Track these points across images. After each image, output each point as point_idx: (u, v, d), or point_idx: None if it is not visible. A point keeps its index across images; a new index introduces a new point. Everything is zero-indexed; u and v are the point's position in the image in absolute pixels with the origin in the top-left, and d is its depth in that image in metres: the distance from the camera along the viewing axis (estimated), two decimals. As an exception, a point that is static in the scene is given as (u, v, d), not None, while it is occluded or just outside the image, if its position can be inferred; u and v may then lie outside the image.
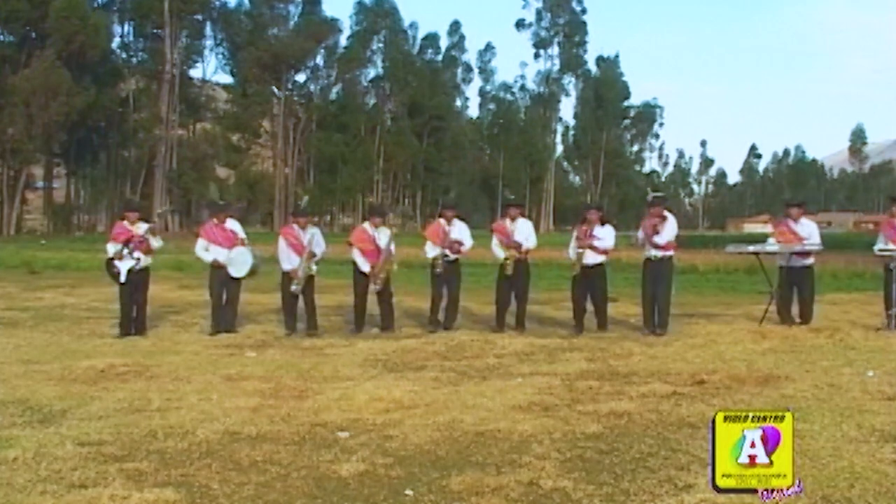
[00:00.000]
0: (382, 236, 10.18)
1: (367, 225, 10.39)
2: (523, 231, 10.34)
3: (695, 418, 5.54)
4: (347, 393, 6.37)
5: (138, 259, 9.68)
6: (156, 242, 9.95)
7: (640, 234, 10.19)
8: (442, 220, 10.50)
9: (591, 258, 10.08)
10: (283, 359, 8.21)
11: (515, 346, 8.74)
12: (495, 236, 10.42)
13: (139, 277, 9.78)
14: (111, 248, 9.77)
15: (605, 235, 10.11)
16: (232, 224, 10.16)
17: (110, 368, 7.42)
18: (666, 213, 10.10)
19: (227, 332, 9.73)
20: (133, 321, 9.83)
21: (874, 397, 6.15)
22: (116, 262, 9.66)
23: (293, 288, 9.84)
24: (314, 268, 10.07)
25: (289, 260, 9.96)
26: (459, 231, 10.39)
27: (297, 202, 56.03)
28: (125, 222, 9.91)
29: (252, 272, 10.10)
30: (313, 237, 10.04)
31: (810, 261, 10.56)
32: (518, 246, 10.19)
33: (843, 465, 4.44)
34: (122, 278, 9.65)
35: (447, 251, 10.18)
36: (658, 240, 9.91)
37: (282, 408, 5.90)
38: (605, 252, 10.13)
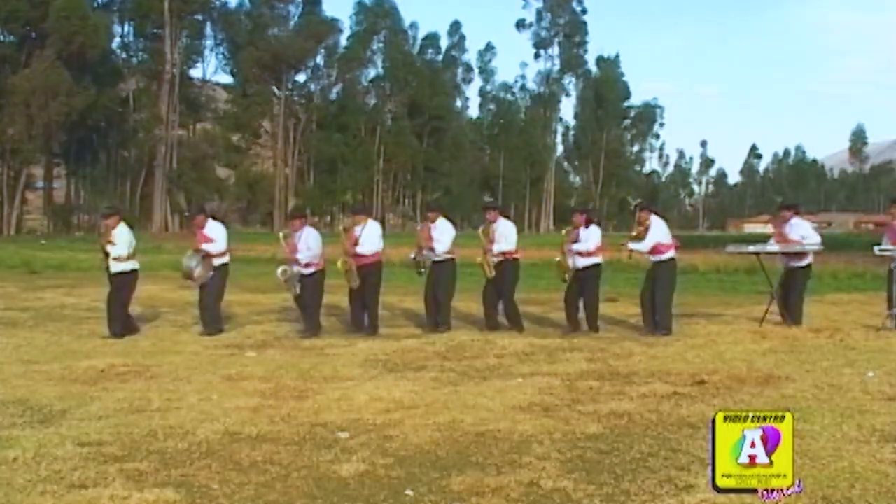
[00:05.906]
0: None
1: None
2: (502, 232, 10.18)
3: (695, 418, 5.54)
4: (347, 393, 6.37)
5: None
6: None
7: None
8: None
9: (580, 261, 9.96)
10: (283, 359, 8.21)
11: (515, 347, 8.74)
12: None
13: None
14: None
15: (588, 237, 9.95)
16: (210, 226, 10.07)
17: (110, 368, 7.43)
18: (652, 217, 9.99)
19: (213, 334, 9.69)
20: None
21: (874, 398, 6.16)
22: None
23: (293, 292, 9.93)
24: (295, 269, 9.83)
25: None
26: (438, 231, 10.20)
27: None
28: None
29: (185, 275, 9.95)
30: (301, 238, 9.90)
31: (803, 262, 10.39)
32: (488, 250, 10.03)
33: (844, 465, 4.44)
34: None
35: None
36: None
37: (282, 408, 5.89)
38: (589, 254, 9.93)
